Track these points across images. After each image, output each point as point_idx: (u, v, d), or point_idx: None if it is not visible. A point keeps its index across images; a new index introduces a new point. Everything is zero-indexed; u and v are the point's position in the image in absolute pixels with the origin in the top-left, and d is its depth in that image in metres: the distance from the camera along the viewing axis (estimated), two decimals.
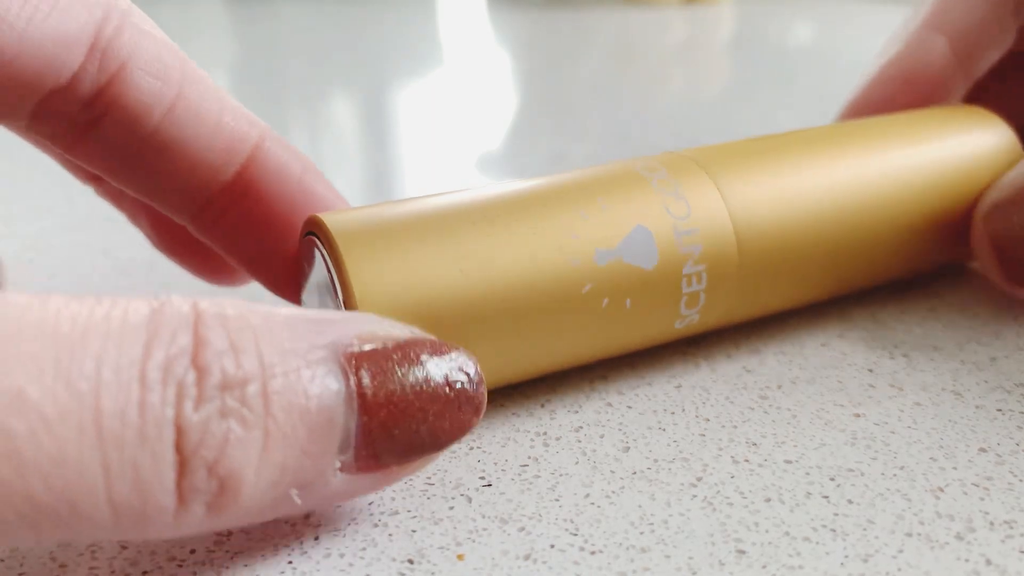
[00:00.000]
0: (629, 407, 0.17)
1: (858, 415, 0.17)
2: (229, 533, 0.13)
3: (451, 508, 0.14)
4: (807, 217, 0.18)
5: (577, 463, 0.15)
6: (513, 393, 0.17)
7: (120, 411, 0.10)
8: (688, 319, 0.17)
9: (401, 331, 0.12)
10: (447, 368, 0.12)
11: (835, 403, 0.17)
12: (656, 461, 0.15)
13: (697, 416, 0.16)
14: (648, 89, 0.48)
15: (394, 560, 0.13)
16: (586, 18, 0.70)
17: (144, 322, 0.10)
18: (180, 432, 0.10)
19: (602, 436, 0.16)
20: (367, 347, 0.12)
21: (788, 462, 0.15)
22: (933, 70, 0.22)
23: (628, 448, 0.16)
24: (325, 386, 0.11)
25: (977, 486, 0.15)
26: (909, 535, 0.13)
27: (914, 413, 0.17)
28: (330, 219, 0.15)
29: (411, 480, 0.15)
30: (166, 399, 0.10)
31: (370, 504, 0.14)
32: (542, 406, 0.17)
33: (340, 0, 0.83)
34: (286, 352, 0.11)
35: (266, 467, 0.11)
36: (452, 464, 0.15)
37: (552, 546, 0.13)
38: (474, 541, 0.13)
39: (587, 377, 0.18)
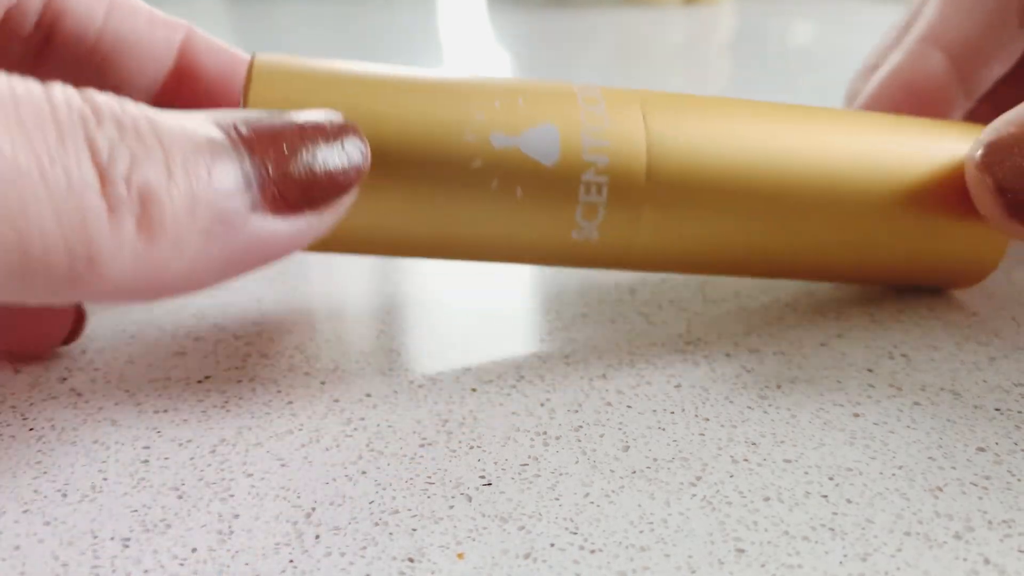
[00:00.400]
0: (629, 406, 0.17)
1: (857, 415, 0.17)
2: (231, 531, 0.13)
3: (451, 507, 0.14)
4: (734, 167, 0.17)
5: (577, 462, 0.15)
6: (512, 392, 0.17)
7: (38, 118, 0.11)
8: (586, 232, 0.17)
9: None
10: (320, 116, 0.14)
11: (834, 403, 0.17)
12: (656, 460, 0.15)
13: (696, 415, 0.17)
14: (649, 88, 0.48)
15: (394, 559, 0.13)
16: (586, 18, 0.70)
17: (39, 88, 0.11)
18: (92, 147, 0.11)
19: (602, 435, 0.16)
20: (245, 115, 0.13)
21: (787, 461, 0.15)
22: (933, 87, 0.22)
23: (628, 447, 0.16)
24: (210, 131, 0.13)
25: (976, 485, 0.15)
26: (908, 534, 0.13)
27: (913, 413, 0.17)
28: (259, 55, 0.16)
29: (411, 479, 0.15)
30: (72, 120, 0.11)
31: (371, 503, 0.14)
32: (541, 405, 0.17)
33: (340, 0, 0.83)
34: (169, 114, 0.12)
35: (177, 191, 0.12)
36: (452, 463, 0.15)
37: (552, 545, 0.13)
38: (474, 540, 0.13)
39: (587, 376, 0.18)
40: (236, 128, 0.13)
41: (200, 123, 0.13)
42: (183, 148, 0.12)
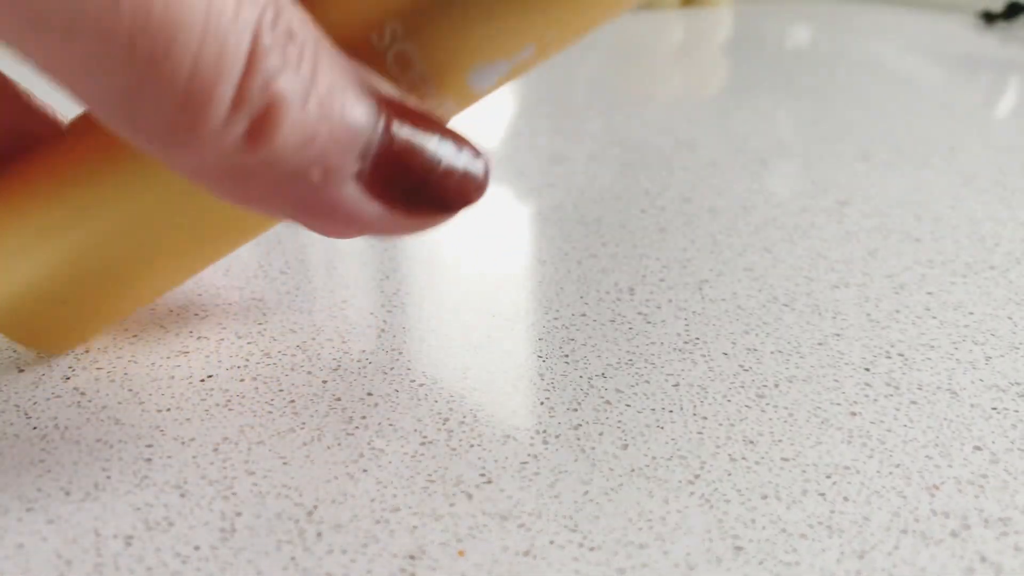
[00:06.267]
0: (628, 405, 0.17)
1: (854, 413, 0.17)
2: (233, 528, 0.14)
3: (452, 505, 0.14)
4: None
5: (576, 460, 0.15)
6: (512, 391, 0.17)
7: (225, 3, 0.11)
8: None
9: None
10: (461, 144, 0.14)
11: (831, 401, 0.17)
12: (654, 458, 0.15)
13: (695, 414, 0.17)
14: (647, 90, 0.48)
15: (395, 556, 0.13)
16: None
17: None
18: (256, 38, 0.11)
19: (601, 434, 0.16)
20: (406, 100, 0.13)
21: (785, 460, 0.15)
22: None
23: (626, 445, 0.16)
24: (360, 93, 0.13)
25: (972, 484, 0.15)
26: (905, 532, 0.14)
27: (910, 411, 0.17)
28: None
29: (412, 477, 0.15)
30: (255, 5, 0.11)
31: (372, 501, 0.14)
32: (541, 404, 0.17)
33: None
34: (336, 59, 0.13)
35: (302, 119, 0.12)
36: (452, 461, 0.15)
37: (552, 542, 0.13)
38: (474, 537, 0.13)
39: (586, 375, 0.18)
40: (389, 111, 0.13)
41: (365, 74, 0.13)
42: (332, 81, 0.12)
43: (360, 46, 0.14)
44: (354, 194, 0.13)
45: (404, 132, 0.13)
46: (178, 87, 0.11)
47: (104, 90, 0.11)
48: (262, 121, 0.12)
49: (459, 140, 0.14)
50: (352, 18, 0.14)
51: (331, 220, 0.13)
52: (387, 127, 0.13)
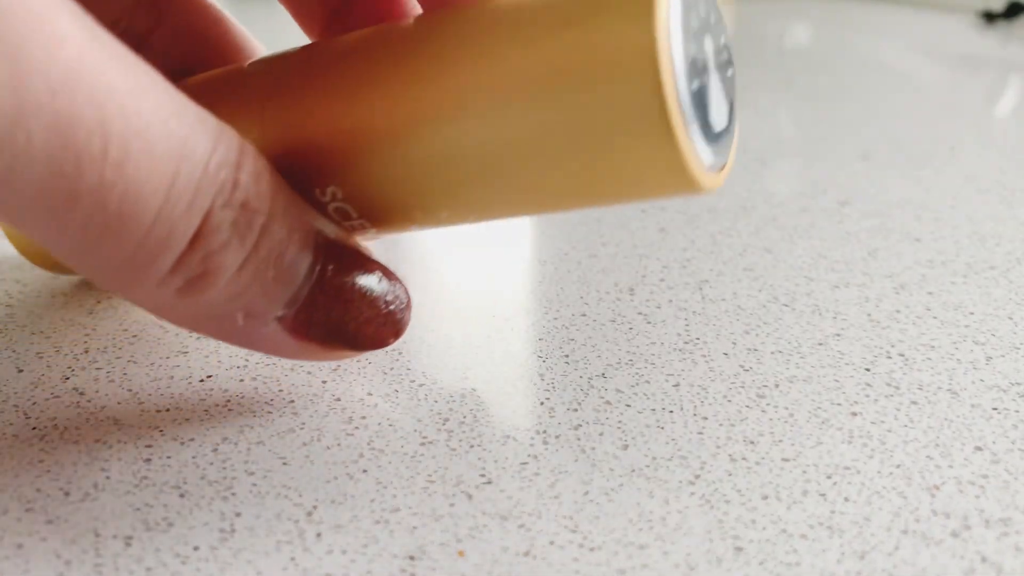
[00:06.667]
0: (628, 405, 0.17)
1: (855, 414, 0.17)
2: (232, 529, 0.14)
3: (452, 505, 0.14)
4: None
5: (576, 461, 0.15)
6: (512, 391, 0.17)
7: (189, 182, 0.12)
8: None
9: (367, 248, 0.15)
10: (389, 289, 0.15)
11: (832, 402, 0.17)
12: (655, 459, 0.15)
13: (695, 414, 0.17)
14: None
15: (395, 556, 0.13)
16: None
17: (212, 134, 0.12)
18: (204, 221, 0.12)
19: (601, 434, 0.16)
20: (345, 243, 0.15)
21: (785, 460, 0.15)
22: None
23: (627, 446, 0.16)
24: (301, 253, 0.14)
25: (973, 484, 0.15)
26: (905, 532, 0.14)
27: (910, 412, 0.17)
28: None
29: (412, 477, 0.15)
30: (213, 184, 0.12)
31: (372, 501, 0.14)
32: (541, 404, 0.17)
33: None
34: (288, 213, 0.13)
35: (236, 280, 0.13)
36: (452, 461, 0.15)
37: (552, 543, 0.13)
38: (474, 538, 0.13)
39: (586, 375, 0.18)
40: (326, 261, 0.14)
41: (311, 218, 0.14)
42: (274, 245, 0.13)
43: (306, 195, 0.15)
44: (274, 332, 0.14)
45: (335, 283, 0.14)
46: (122, 256, 0.12)
47: (51, 244, 0.12)
48: (195, 282, 0.13)
49: (388, 279, 0.15)
50: (299, 174, 0.15)
51: (248, 348, 0.14)
52: (320, 277, 0.14)
